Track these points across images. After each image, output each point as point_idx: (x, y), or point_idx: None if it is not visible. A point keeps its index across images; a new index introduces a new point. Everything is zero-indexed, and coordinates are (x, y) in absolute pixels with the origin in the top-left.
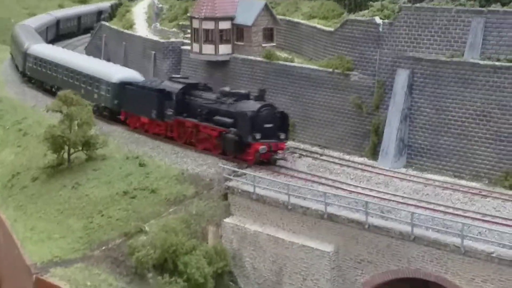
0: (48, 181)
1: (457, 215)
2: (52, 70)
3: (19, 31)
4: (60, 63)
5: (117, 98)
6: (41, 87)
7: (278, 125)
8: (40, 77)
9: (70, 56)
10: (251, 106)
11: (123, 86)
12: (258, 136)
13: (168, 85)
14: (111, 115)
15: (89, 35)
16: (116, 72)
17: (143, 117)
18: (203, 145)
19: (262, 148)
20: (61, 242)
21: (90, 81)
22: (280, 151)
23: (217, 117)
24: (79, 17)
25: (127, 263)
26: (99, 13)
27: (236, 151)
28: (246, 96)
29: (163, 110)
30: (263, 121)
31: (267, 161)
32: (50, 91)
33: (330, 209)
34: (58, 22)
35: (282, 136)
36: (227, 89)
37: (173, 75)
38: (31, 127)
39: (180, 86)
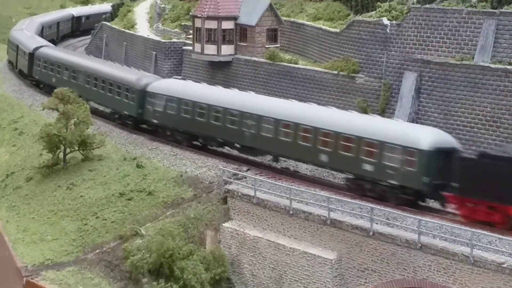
0: (43, 181)
1: (466, 223)
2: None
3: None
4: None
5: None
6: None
7: None
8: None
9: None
10: None
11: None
12: None
13: None
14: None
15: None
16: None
17: None
18: None
19: None
20: (53, 244)
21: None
22: None
23: None
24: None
25: (121, 267)
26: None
27: None
28: None
29: None
30: None
31: None
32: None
33: (334, 215)
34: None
35: None
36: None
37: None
38: (27, 126)
39: None
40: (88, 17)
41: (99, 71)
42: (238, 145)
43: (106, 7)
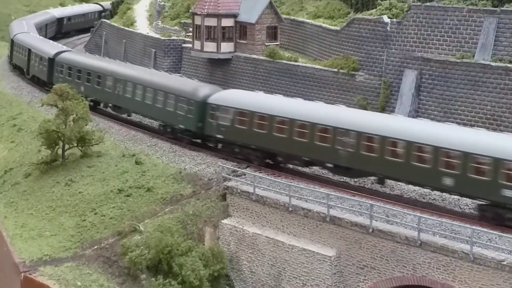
0: (41, 178)
1: (465, 220)
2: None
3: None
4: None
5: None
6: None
7: None
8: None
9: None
10: None
11: None
12: None
13: None
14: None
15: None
16: None
17: None
18: None
19: None
20: (52, 240)
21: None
22: None
23: None
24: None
25: (119, 263)
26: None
27: None
28: None
29: None
30: None
31: None
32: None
33: (333, 212)
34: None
35: None
36: None
37: None
38: (26, 122)
39: None
40: (69, 18)
41: (146, 80)
42: (330, 165)
43: (93, 6)
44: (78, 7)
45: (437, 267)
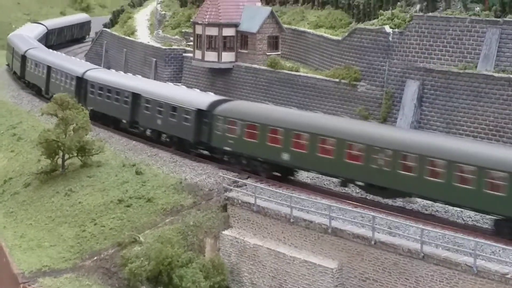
0: (41, 187)
1: (469, 233)
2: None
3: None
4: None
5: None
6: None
7: None
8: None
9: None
10: None
11: None
12: None
13: None
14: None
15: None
16: None
17: None
18: None
19: None
20: (51, 250)
21: None
22: None
23: None
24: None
25: (119, 274)
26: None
27: None
28: None
29: None
30: None
31: None
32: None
33: (335, 223)
34: None
35: None
36: None
37: None
38: (26, 131)
39: None
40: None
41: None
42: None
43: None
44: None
45: (440, 280)
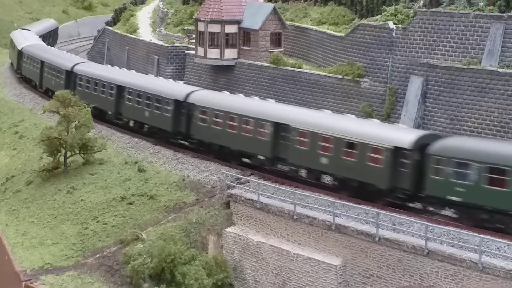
0: (43, 185)
1: (473, 229)
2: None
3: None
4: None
5: None
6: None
7: None
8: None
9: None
10: None
11: None
12: None
13: None
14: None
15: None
16: None
17: None
18: None
19: None
20: (53, 248)
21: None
22: None
23: None
24: None
25: (122, 272)
26: None
27: None
28: None
29: None
30: None
31: None
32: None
33: (339, 220)
34: None
35: None
36: None
37: None
38: (28, 129)
39: None
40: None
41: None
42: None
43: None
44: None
45: (445, 277)
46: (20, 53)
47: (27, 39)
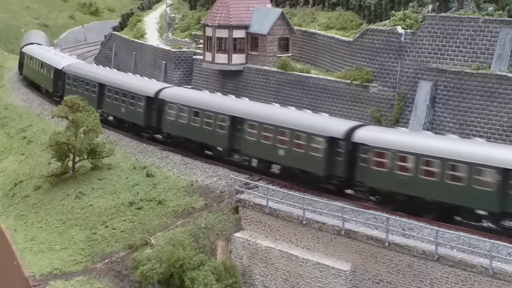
0: (51, 190)
1: (484, 234)
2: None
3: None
4: None
5: None
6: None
7: None
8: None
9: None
10: None
11: None
12: None
13: None
14: None
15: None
16: None
17: None
18: None
19: None
20: (62, 253)
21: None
22: None
23: None
24: None
25: (131, 277)
26: None
27: None
28: None
29: None
30: None
31: None
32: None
33: (348, 225)
34: None
35: None
36: None
37: None
38: (36, 134)
39: None
40: None
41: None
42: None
43: None
44: None
45: (455, 282)
46: (59, 74)
47: (59, 55)
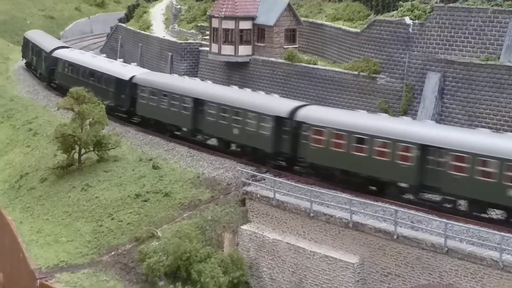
0: (57, 182)
1: (493, 226)
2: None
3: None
4: None
5: None
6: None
7: None
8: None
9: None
10: None
11: None
12: None
13: None
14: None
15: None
16: None
17: None
18: None
19: None
20: (68, 246)
21: None
22: None
23: None
24: None
25: (137, 270)
26: None
27: None
28: None
29: None
30: None
31: None
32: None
33: (356, 218)
34: None
35: None
36: None
37: None
38: (42, 126)
39: None
40: None
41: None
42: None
43: None
44: None
45: (464, 275)
46: (129, 86)
47: (116, 64)
